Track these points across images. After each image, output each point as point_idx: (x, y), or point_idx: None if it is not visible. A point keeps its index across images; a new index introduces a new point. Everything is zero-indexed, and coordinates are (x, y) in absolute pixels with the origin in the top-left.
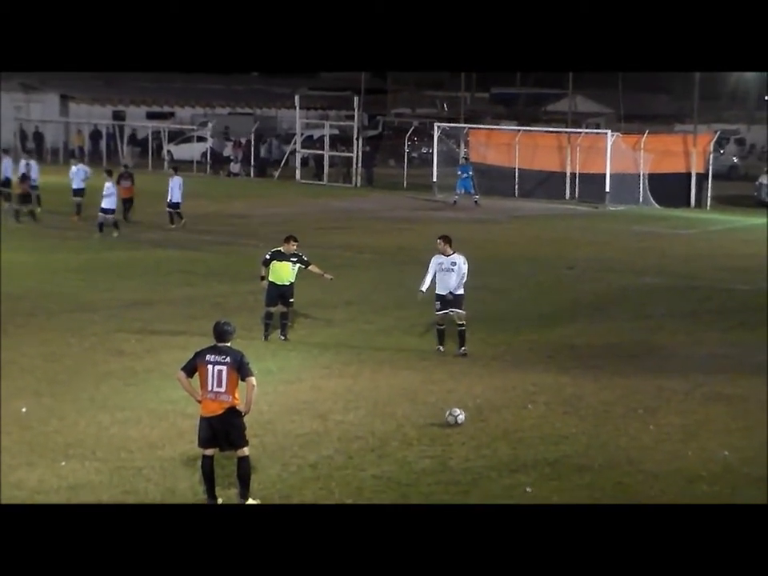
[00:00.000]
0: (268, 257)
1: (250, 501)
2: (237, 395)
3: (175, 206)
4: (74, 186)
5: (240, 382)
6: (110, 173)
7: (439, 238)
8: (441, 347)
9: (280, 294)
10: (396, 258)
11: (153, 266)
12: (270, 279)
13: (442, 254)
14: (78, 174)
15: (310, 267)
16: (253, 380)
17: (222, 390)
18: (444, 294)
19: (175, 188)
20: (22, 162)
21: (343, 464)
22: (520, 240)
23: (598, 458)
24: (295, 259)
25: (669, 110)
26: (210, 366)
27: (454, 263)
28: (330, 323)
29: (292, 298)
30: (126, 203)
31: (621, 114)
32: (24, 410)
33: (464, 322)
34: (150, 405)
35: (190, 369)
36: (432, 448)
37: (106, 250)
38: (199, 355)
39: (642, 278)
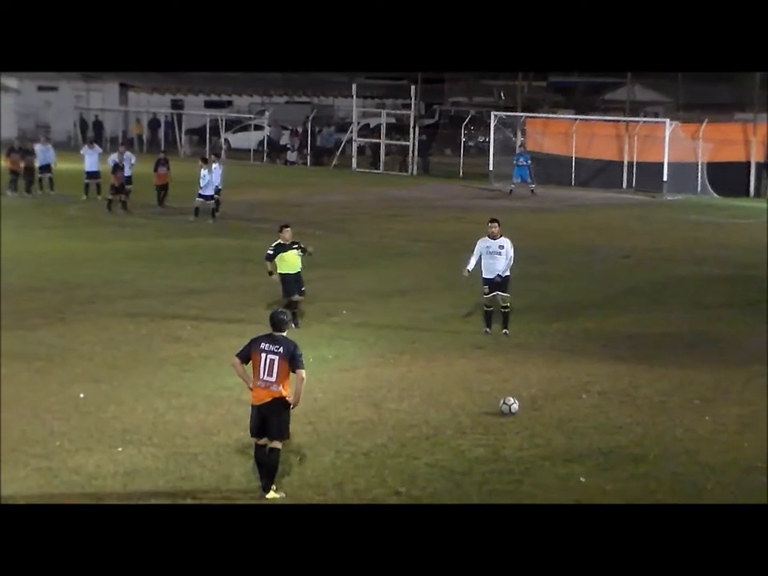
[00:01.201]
0: (272, 252)
1: (271, 494)
2: (287, 386)
3: (216, 192)
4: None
5: (292, 373)
6: (205, 160)
7: (492, 221)
8: (488, 329)
9: (296, 280)
10: (451, 246)
11: (210, 254)
12: (283, 271)
13: (490, 238)
14: (127, 160)
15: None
16: (303, 373)
17: (273, 379)
18: (492, 277)
19: (216, 174)
20: (116, 154)
21: (396, 452)
22: (576, 229)
23: (653, 449)
24: (296, 246)
25: (728, 99)
26: (263, 355)
27: (501, 246)
28: (384, 312)
29: (303, 285)
30: (161, 190)
31: (679, 102)
32: (82, 395)
33: (509, 304)
34: (205, 391)
35: (245, 355)
36: (486, 437)
37: (164, 238)
38: (254, 342)
39: (699, 267)
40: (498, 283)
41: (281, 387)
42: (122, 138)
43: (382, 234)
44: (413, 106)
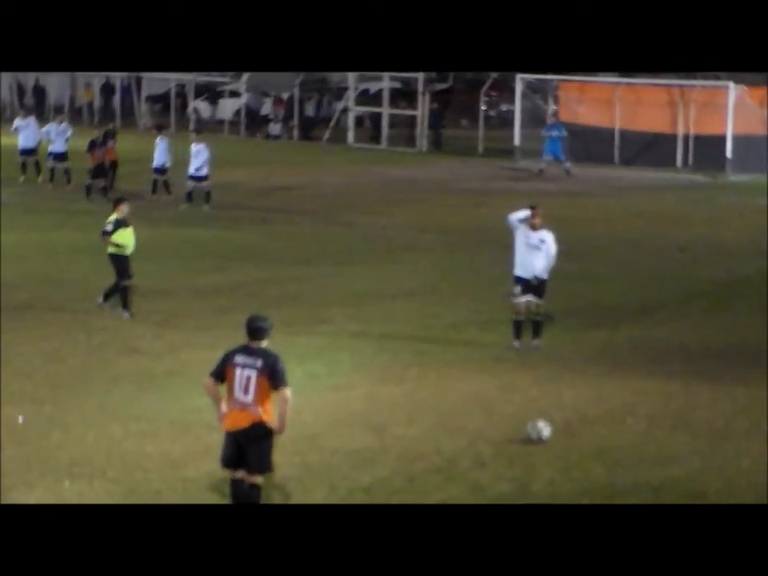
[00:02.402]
0: (111, 228)
1: None
2: (268, 408)
3: (161, 171)
4: (53, 150)
5: (274, 391)
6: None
7: (531, 209)
8: (516, 342)
9: (129, 263)
10: (469, 238)
11: (176, 248)
12: (119, 252)
13: (530, 228)
14: (62, 132)
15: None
16: (287, 392)
17: (250, 399)
18: (527, 277)
19: (162, 150)
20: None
21: (402, 488)
22: (620, 217)
23: (713, 484)
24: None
25: None
26: (238, 370)
27: (542, 240)
28: (387, 317)
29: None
30: (108, 170)
31: None
32: (21, 419)
33: (541, 312)
34: (170, 415)
35: (220, 373)
36: (510, 470)
37: None
38: (228, 356)
39: None
40: (534, 287)
41: (260, 409)
42: (69, 106)
43: (385, 224)
44: None
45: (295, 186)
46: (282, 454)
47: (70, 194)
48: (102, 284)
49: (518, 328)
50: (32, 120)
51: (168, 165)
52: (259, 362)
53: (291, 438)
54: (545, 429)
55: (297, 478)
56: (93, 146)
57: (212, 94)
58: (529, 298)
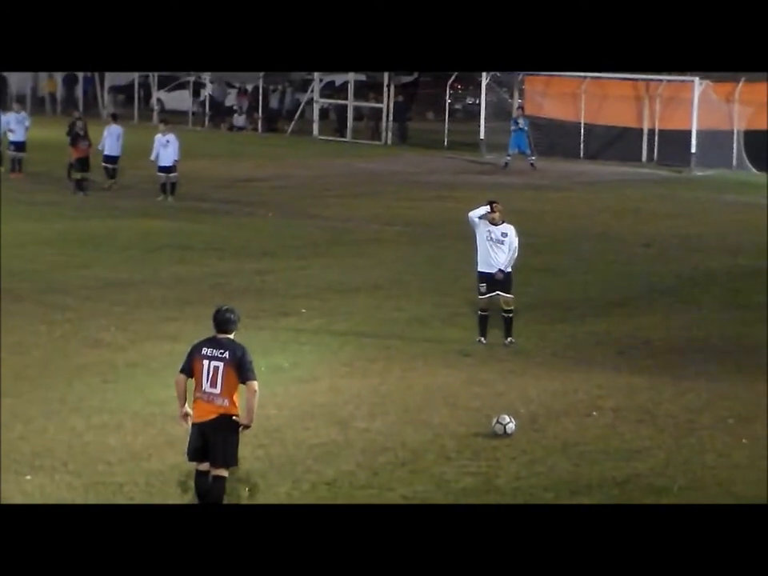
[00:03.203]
0: None
1: None
2: (235, 400)
3: (113, 159)
4: (14, 139)
5: (241, 384)
6: (165, 122)
7: (491, 204)
8: (483, 338)
9: None
10: (434, 232)
11: (139, 239)
12: None
13: (490, 223)
14: (21, 122)
15: None
16: (255, 384)
17: (216, 391)
18: (491, 272)
19: (111, 138)
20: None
21: (367, 482)
22: (586, 211)
23: (678, 479)
24: None
25: None
26: (205, 362)
27: (504, 234)
28: (352, 311)
29: None
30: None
31: None
32: None
33: (512, 308)
34: (133, 407)
35: (188, 368)
36: (475, 463)
37: (82, 219)
38: (195, 349)
39: (735, 258)
40: (500, 281)
41: (226, 401)
42: (31, 97)
43: (349, 217)
44: None
45: (259, 178)
46: (246, 447)
47: (32, 186)
48: (64, 276)
49: (483, 323)
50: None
51: (119, 154)
52: (227, 354)
53: (254, 430)
54: (510, 423)
55: (260, 471)
56: (76, 138)
57: (176, 85)
58: (495, 293)
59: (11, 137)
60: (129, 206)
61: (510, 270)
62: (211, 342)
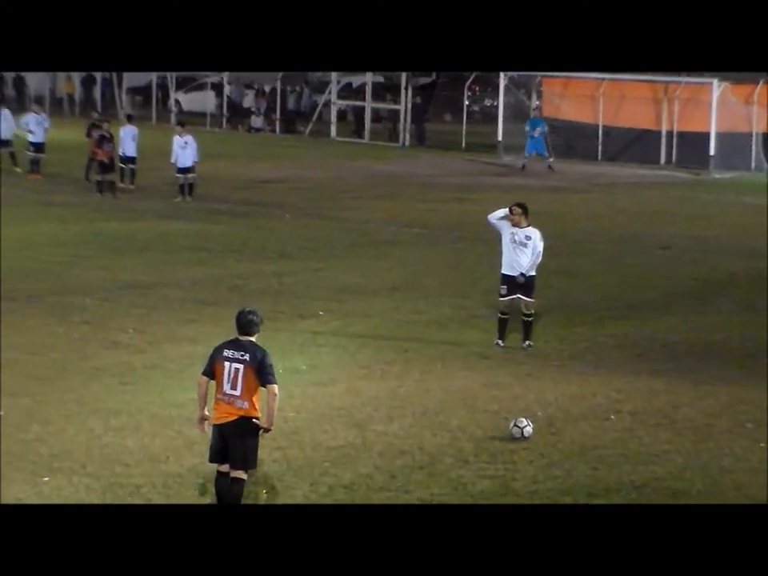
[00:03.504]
0: None
1: None
2: (255, 403)
3: (130, 160)
4: (33, 140)
5: (262, 387)
6: (181, 124)
7: (516, 206)
8: (501, 341)
9: None
10: (452, 234)
11: (157, 241)
12: None
13: (514, 225)
14: (40, 123)
15: None
16: (275, 388)
17: (237, 393)
18: (513, 275)
19: (127, 139)
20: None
21: (384, 484)
22: (604, 213)
23: (696, 483)
24: None
25: None
26: (226, 363)
27: (528, 237)
28: (370, 313)
29: None
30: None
31: None
32: (0, 413)
33: (532, 311)
34: (150, 409)
35: (210, 370)
36: (493, 466)
37: (101, 221)
38: (217, 351)
39: (754, 261)
40: (521, 285)
41: (246, 403)
42: (50, 98)
43: (367, 219)
44: None
45: (277, 179)
46: (264, 449)
47: (50, 186)
48: (82, 277)
49: (502, 326)
50: (7, 112)
51: (135, 154)
52: (247, 357)
53: (273, 433)
54: (527, 426)
55: (277, 473)
56: (102, 140)
57: (194, 86)
58: (518, 295)
59: (30, 138)
60: (147, 207)
61: (533, 273)
62: (233, 344)
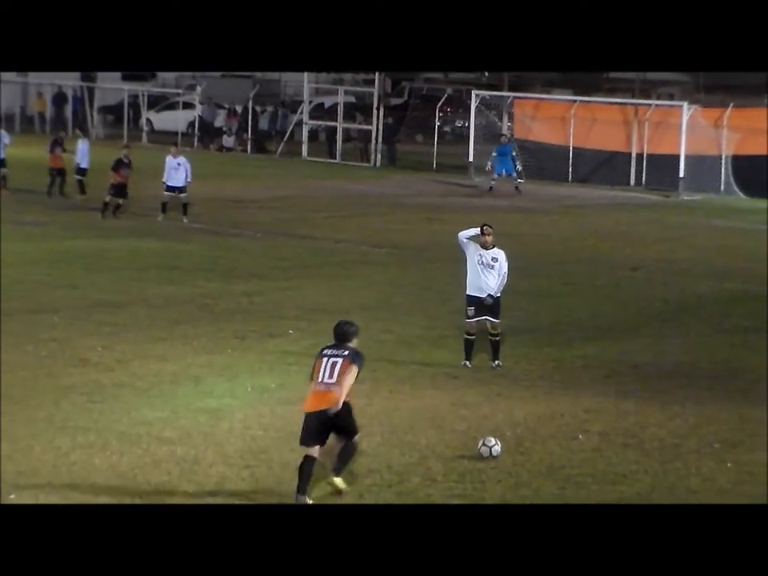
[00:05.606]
0: None
1: (338, 482)
2: (345, 387)
3: (83, 172)
4: None
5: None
6: (175, 145)
7: (484, 227)
8: (468, 362)
9: None
10: (422, 254)
11: (126, 259)
12: None
13: (482, 246)
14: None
15: None
16: (355, 369)
17: (333, 380)
18: (481, 296)
19: (84, 153)
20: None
21: (351, 503)
22: (574, 235)
23: (663, 503)
24: None
25: (758, 80)
26: (324, 359)
27: (495, 259)
28: None
29: None
30: (59, 174)
31: (700, 82)
32: None
33: (499, 331)
34: (119, 427)
35: (312, 372)
36: (461, 485)
37: (70, 239)
38: (319, 353)
39: (722, 283)
40: (489, 306)
41: (339, 387)
42: (20, 116)
43: (338, 238)
44: (377, 82)
45: (248, 199)
46: (231, 468)
47: (18, 205)
48: (51, 295)
49: (469, 347)
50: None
51: (87, 166)
52: (346, 353)
53: (240, 451)
54: (496, 445)
55: (245, 492)
56: (119, 165)
57: (166, 105)
58: (484, 317)
59: None
60: (117, 225)
61: (499, 295)
62: (334, 346)
